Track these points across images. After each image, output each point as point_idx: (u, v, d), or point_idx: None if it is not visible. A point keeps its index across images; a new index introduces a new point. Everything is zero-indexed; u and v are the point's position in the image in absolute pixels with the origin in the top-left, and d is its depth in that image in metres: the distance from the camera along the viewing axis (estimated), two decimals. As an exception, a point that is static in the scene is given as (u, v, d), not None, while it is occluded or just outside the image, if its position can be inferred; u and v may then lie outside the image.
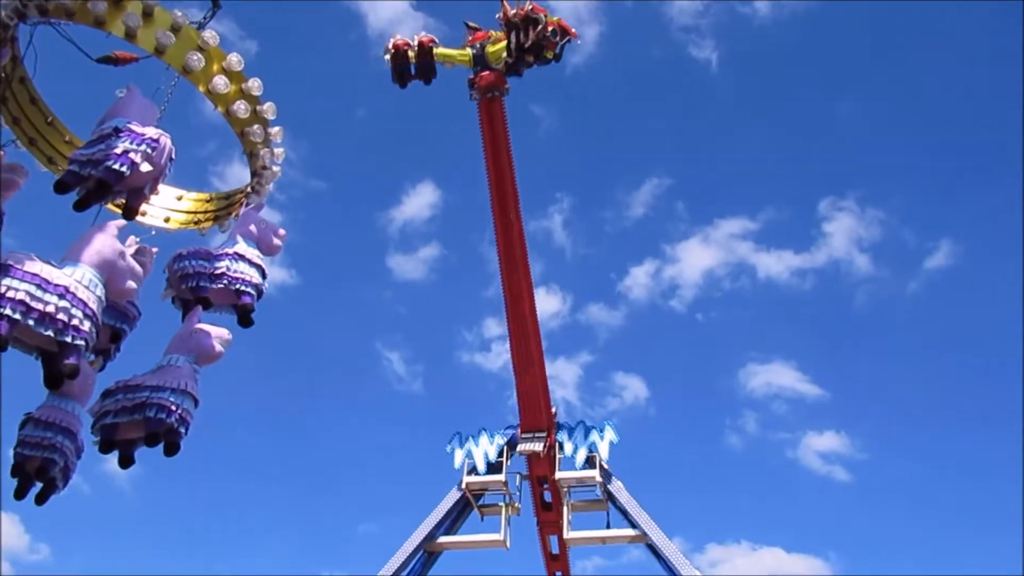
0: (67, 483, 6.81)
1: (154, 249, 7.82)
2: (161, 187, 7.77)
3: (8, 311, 5.62)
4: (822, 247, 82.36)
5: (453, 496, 27.54)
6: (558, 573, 29.17)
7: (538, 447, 26.14)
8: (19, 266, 5.80)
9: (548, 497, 27.69)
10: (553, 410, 27.16)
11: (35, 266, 5.87)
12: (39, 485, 6.63)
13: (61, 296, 5.89)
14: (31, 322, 5.70)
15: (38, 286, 5.79)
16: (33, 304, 5.73)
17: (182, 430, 6.68)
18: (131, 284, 6.71)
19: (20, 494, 6.62)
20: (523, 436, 26.63)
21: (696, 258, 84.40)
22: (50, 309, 5.79)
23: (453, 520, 27.92)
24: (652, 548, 25.97)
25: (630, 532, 26.18)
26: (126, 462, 6.83)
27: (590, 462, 26.29)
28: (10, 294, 5.67)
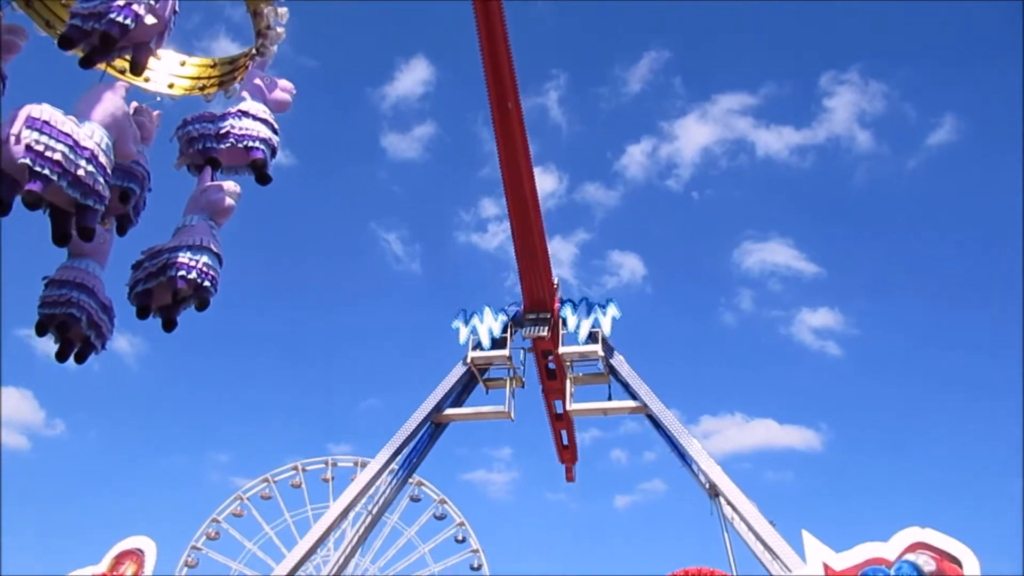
0: (104, 342, 6.91)
1: (156, 113, 7.72)
2: (164, 52, 7.56)
3: (47, 172, 5.62)
4: (823, 123, 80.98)
5: (458, 371, 28.23)
6: (563, 432, 30.29)
7: (544, 332, 26.65)
8: (50, 122, 5.74)
9: (552, 367, 28.48)
10: (555, 282, 27.50)
11: (66, 125, 5.81)
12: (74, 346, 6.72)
13: (89, 161, 5.87)
14: (64, 184, 5.71)
15: (71, 147, 5.76)
16: (67, 167, 5.71)
17: (207, 284, 6.77)
18: (134, 147, 6.69)
19: (62, 356, 6.77)
20: (527, 317, 27.04)
21: (694, 136, 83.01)
22: (81, 173, 5.79)
23: (459, 393, 28.73)
24: (652, 419, 26.85)
25: (631, 404, 26.99)
26: (169, 326, 6.96)
27: (592, 337, 26.83)
28: (48, 153, 5.64)
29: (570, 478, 33.73)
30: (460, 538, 57.45)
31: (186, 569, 54.02)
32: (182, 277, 6.68)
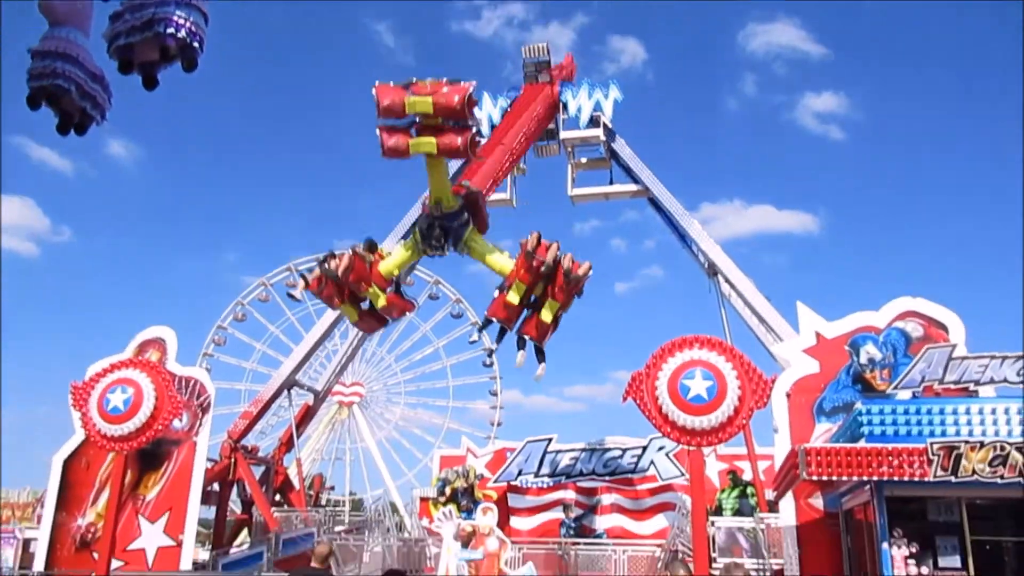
0: (103, 112, 6.78)
1: None
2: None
3: None
4: None
5: (459, 160, 27.96)
6: None
7: None
8: None
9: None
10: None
11: None
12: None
13: None
14: None
15: None
16: None
17: (195, 44, 6.54)
18: None
19: (63, 128, 6.66)
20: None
21: (700, -93, 76.93)
22: None
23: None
24: (653, 202, 26.97)
25: (632, 187, 27.02)
26: (150, 83, 6.76)
27: (593, 122, 26.36)
28: None
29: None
30: (457, 314, 59.44)
31: (206, 360, 56.62)
32: (171, 35, 6.44)
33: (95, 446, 15.96)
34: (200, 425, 19.48)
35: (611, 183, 27.51)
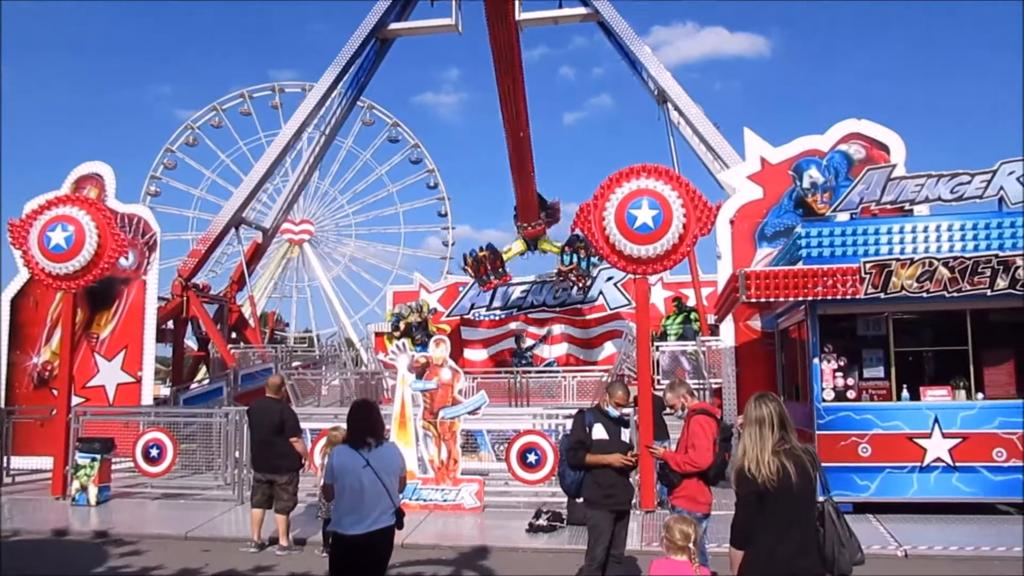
0: None
1: None
2: None
3: None
4: None
5: (401, -19, 26.55)
6: None
7: None
8: None
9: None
10: None
11: None
12: None
13: None
14: None
15: None
16: None
17: None
18: None
19: None
20: None
21: None
22: None
23: (403, 6, 27.34)
24: (604, 26, 26.17)
25: (582, 11, 26.08)
26: None
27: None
28: None
29: None
30: (415, 159, 58.81)
31: (149, 198, 55.33)
32: None
33: (41, 284, 15.77)
34: (148, 263, 19.27)
35: (560, 6, 26.50)
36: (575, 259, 29.44)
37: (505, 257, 31.30)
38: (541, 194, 30.34)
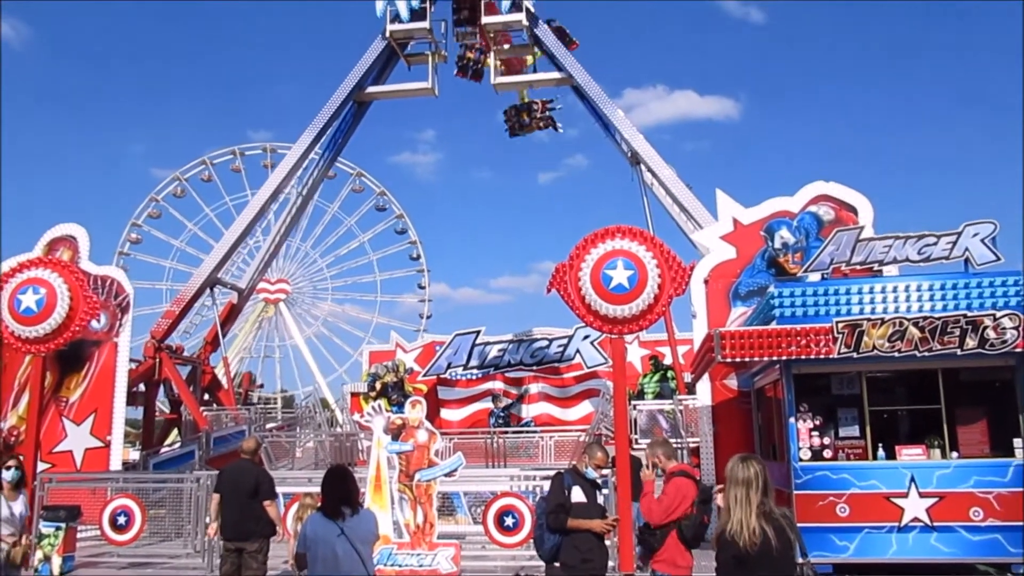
0: None
1: None
2: None
3: None
4: None
5: (378, 46, 27.06)
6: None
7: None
8: None
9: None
10: None
11: None
12: None
13: None
14: None
15: None
16: None
17: None
18: None
19: None
20: None
21: None
22: None
23: (380, 71, 27.80)
24: (577, 90, 26.74)
25: (556, 75, 26.67)
26: None
27: (516, 6, 25.68)
28: None
29: None
30: (381, 206, 58.85)
31: (128, 244, 54.94)
32: None
33: (9, 348, 15.51)
34: (120, 325, 19.06)
35: (535, 71, 27.09)
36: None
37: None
38: None
